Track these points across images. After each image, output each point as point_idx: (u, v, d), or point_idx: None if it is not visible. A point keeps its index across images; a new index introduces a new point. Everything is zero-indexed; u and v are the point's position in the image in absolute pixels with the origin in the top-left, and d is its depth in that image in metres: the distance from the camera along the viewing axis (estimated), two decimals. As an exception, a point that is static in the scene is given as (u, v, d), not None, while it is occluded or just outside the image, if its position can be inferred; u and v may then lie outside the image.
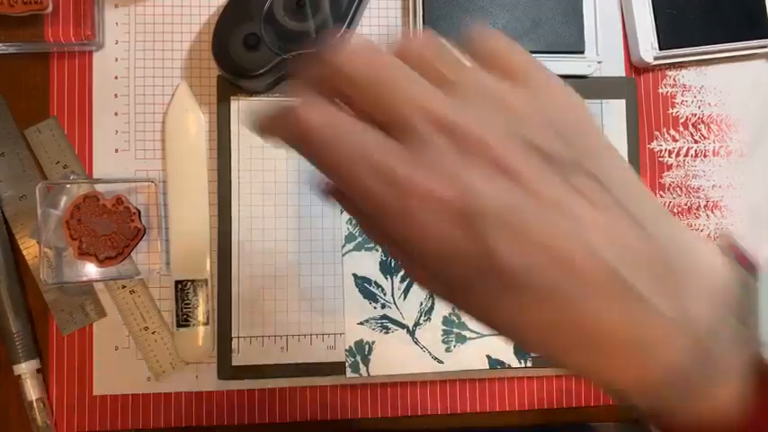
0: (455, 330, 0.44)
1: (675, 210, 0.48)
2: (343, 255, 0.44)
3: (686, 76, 0.49)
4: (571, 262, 0.18)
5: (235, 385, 0.44)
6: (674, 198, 0.48)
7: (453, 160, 0.19)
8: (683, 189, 0.48)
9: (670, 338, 0.19)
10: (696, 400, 0.20)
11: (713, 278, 0.20)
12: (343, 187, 0.20)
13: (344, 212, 0.44)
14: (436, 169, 0.19)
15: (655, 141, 0.48)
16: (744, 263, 0.21)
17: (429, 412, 0.45)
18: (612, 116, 0.47)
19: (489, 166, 0.19)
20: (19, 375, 0.41)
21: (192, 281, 0.43)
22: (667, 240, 0.20)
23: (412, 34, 0.24)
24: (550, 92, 0.21)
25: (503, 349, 0.45)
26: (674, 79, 0.49)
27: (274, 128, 0.21)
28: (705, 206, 0.48)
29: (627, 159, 0.47)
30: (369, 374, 0.44)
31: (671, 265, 0.19)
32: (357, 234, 0.44)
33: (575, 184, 0.19)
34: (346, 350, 0.44)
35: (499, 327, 0.21)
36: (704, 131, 0.49)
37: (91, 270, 0.42)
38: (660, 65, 0.48)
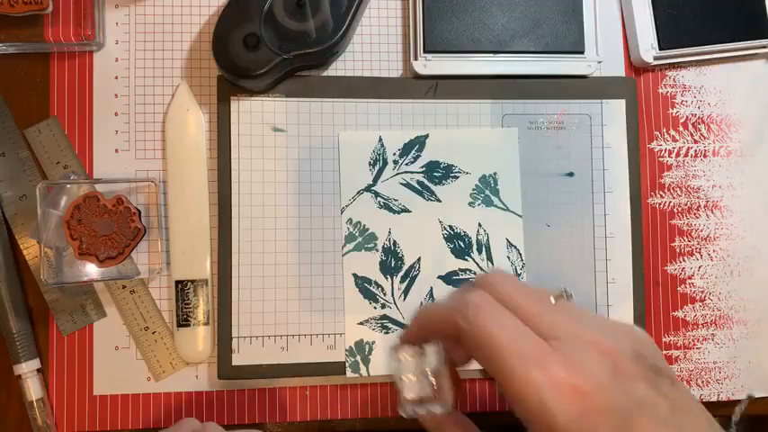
0: (455, 330, 0.44)
1: (675, 210, 0.48)
2: (344, 255, 0.44)
3: (686, 76, 0.49)
4: None
5: (235, 385, 0.44)
6: (674, 198, 0.48)
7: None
8: (683, 189, 0.48)
9: None
10: None
11: None
12: (489, 370, 0.26)
13: (344, 212, 0.44)
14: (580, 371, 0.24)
15: (655, 141, 0.48)
16: None
17: (429, 412, 0.45)
18: (612, 116, 0.47)
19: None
20: (19, 375, 0.41)
21: (192, 281, 0.43)
22: None
23: (491, 274, 0.29)
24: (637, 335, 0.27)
25: (503, 349, 0.44)
26: (673, 79, 0.49)
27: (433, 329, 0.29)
28: (705, 206, 0.48)
29: (627, 159, 0.47)
30: (369, 374, 0.44)
31: None
32: (357, 234, 0.44)
33: (666, 393, 0.25)
34: (346, 350, 0.44)
35: None
36: (704, 131, 0.49)
37: (91, 270, 0.42)
38: (660, 65, 0.48)
